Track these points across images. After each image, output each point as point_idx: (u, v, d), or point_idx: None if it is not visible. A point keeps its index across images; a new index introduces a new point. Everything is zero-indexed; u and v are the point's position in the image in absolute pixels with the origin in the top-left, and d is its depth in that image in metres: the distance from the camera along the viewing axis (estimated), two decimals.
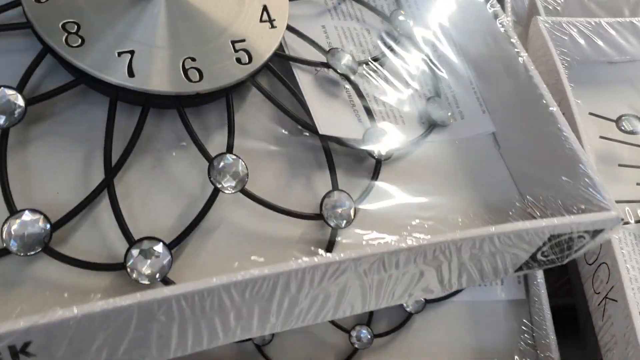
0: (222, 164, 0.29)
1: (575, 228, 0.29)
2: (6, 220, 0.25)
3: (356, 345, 0.42)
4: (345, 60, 0.35)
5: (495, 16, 0.37)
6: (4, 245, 0.25)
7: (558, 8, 0.59)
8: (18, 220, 0.25)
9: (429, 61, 0.40)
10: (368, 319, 0.43)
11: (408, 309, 0.43)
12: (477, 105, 0.39)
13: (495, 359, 0.43)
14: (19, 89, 0.28)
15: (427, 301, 0.44)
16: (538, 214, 0.33)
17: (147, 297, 0.22)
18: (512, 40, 0.36)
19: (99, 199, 0.28)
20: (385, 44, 0.39)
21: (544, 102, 0.33)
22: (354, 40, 0.39)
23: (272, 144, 0.33)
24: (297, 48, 0.36)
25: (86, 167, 0.29)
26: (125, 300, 0.22)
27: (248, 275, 0.23)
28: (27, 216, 0.25)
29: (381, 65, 0.38)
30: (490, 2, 0.37)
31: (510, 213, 0.34)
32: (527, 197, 0.35)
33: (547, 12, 0.57)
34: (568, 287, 0.51)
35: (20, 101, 0.28)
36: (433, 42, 0.40)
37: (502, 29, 0.36)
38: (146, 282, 0.26)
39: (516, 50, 0.35)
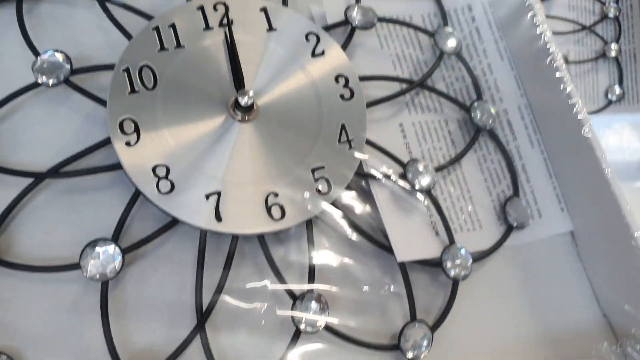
0: (303, 304, 0.31)
1: None
2: None
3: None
4: (423, 172, 0.35)
5: (581, 124, 0.35)
6: None
7: None
8: None
9: (507, 153, 0.39)
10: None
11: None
12: (555, 202, 0.38)
13: None
14: (114, 238, 0.30)
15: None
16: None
17: None
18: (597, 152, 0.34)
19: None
20: (464, 138, 0.39)
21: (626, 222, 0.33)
22: (433, 135, 0.38)
23: (350, 271, 0.34)
24: (374, 158, 0.36)
25: (179, 302, 0.31)
26: None
27: None
28: None
29: (460, 166, 0.38)
30: (577, 107, 0.35)
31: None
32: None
33: None
34: None
35: (118, 251, 0.30)
36: (511, 130, 0.40)
37: (587, 134, 0.35)
38: None
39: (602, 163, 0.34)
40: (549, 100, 0.38)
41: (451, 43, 0.39)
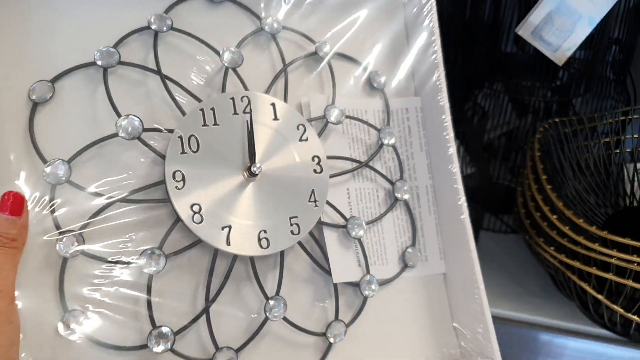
0: (273, 302, 0.49)
1: None
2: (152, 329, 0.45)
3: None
4: (357, 226, 0.54)
5: (461, 211, 0.56)
6: None
7: None
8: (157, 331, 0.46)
9: (412, 216, 0.59)
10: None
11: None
12: (437, 252, 0.59)
13: None
14: (160, 247, 0.47)
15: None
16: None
17: None
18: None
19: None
20: (387, 201, 0.58)
21: (474, 277, 0.54)
22: (367, 198, 0.57)
23: (306, 282, 0.53)
24: (328, 211, 0.54)
25: (195, 293, 0.49)
26: None
27: None
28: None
29: (380, 221, 0.57)
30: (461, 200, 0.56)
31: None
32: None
33: None
34: None
35: (162, 257, 0.47)
36: (418, 201, 0.59)
37: (463, 218, 0.55)
38: None
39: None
40: (445, 187, 0.58)
41: (391, 140, 0.58)
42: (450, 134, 0.57)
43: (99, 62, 0.49)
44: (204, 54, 0.53)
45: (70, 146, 0.47)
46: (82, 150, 0.47)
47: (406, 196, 0.58)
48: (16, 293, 0.44)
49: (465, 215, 0.56)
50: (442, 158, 0.58)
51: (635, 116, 0.79)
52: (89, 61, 0.49)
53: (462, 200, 0.56)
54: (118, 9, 0.52)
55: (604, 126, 0.80)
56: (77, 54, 0.49)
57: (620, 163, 0.77)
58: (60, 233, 0.45)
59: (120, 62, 0.50)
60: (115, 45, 0.50)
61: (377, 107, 0.60)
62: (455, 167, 0.57)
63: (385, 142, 0.58)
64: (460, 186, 0.56)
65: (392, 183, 0.58)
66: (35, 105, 0.48)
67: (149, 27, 0.52)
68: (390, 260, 0.57)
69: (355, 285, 0.54)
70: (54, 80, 0.49)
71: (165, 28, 0.52)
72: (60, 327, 0.44)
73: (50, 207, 0.46)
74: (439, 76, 0.58)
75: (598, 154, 0.78)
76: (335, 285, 0.53)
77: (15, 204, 0.41)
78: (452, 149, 0.57)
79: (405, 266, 0.58)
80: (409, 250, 0.58)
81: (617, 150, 0.78)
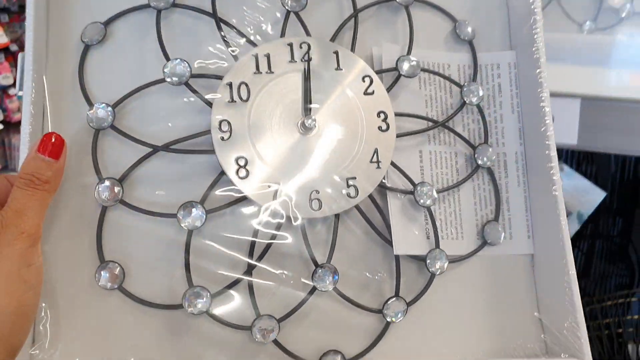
0: (322, 272, 0.44)
1: None
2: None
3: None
4: (427, 194, 0.47)
5: (553, 183, 0.47)
6: None
7: None
8: None
9: (497, 187, 0.51)
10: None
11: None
12: (525, 230, 0.50)
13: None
14: (202, 202, 0.44)
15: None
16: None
17: None
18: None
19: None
20: (467, 168, 0.51)
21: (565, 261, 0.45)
22: (443, 163, 0.50)
23: (361, 254, 0.47)
24: (393, 175, 0.48)
25: (237, 254, 0.45)
26: None
27: None
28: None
29: (457, 191, 0.50)
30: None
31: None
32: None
33: None
34: None
35: (203, 212, 0.43)
36: (505, 170, 0.51)
37: (555, 192, 0.47)
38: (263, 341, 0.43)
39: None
40: (538, 155, 0.49)
41: (474, 98, 0.50)
42: (546, 93, 0.48)
43: (152, 4, 0.46)
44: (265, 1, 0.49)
45: (116, 91, 0.45)
46: (128, 95, 0.45)
47: (489, 162, 0.50)
48: (51, 240, 0.43)
49: (558, 188, 0.47)
50: (536, 121, 0.49)
51: None
52: (143, 4, 0.47)
53: (555, 169, 0.47)
54: None
55: None
56: None
57: None
58: (100, 180, 0.43)
59: (174, 5, 0.47)
60: None
61: (463, 62, 0.52)
62: (551, 132, 0.48)
63: (468, 100, 0.50)
64: (554, 153, 0.47)
65: (473, 147, 0.51)
66: (86, 48, 0.46)
67: None
68: (466, 234, 0.50)
69: (421, 259, 0.47)
70: (107, 22, 0.47)
71: None
72: (95, 278, 0.42)
73: (92, 153, 0.44)
74: (535, 24, 0.49)
75: None
76: (397, 258, 0.47)
77: (55, 146, 0.40)
78: (548, 108, 0.48)
79: (484, 243, 0.50)
80: (491, 225, 0.50)
81: None
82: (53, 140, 0.40)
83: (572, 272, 0.45)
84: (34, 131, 0.42)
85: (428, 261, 0.47)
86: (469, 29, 0.53)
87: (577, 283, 0.45)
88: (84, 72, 0.46)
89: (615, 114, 0.84)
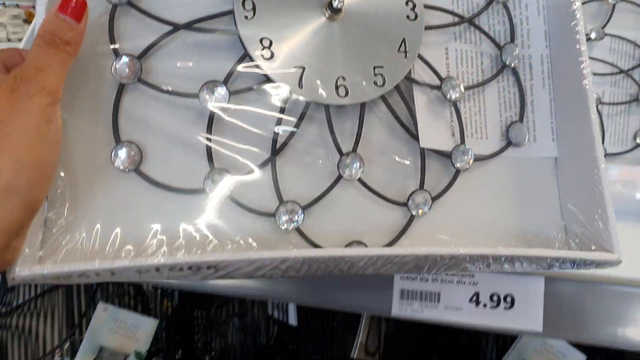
0: (348, 160, 0.43)
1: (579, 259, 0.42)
2: None
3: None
4: (455, 89, 0.46)
5: (583, 77, 0.46)
6: None
7: None
8: None
9: (522, 88, 0.49)
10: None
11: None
12: (549, 133, 0.49)
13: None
14: (225, 82, 0.42)
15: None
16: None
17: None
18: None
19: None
20: (492, 69, 0.49)
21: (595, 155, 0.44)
22: (469, 62, 0.49)
23: (386, 147, 0.45)
24: (419, 69, 0.47)
25: (260, 139, 0.43)
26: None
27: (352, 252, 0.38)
28: None
29: (482, 91, 0.48)
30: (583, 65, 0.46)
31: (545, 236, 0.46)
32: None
33: None
34: None
35: (226, 92, 0.41)
36: (530, 72, 0.50)
37: (586, 86, 0.46)
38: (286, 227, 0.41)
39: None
40: (565, 55, 0.48)
41: None
42: None
43: None
44: None
45: None
46: None
47: (515, 62, 0.49)
48: (67, 115, 0.40)
49: (589, 82, 0.45)
50: (564, 21, 0.48)
51: None
52: None
53: (586, 64, 0.46)
54: None
55: None
56: None
57: None
58: (118, 56, 0.41)
59: None
60: None
61: None
62: (581, 27, 0.47)
63: None
64: (584, 48, 0.46)
65: (499, 47, 0.49)
66: None
67: None
68: (490, 134, 0.48)
69: (446, 155, 0.46)
70: None
71: None
72: (111, 159, 0.40)
73: (109, 28, 0.42)
74: None
75: None
76: (422, 151, 0.45)
77: (77, 7, 0.37)
78: (578, 3, 0.47)
79: (509, 143, 0.49)
80: (515, 125, 0.49)
81: None
82: (75, 1, 0.37)
83: (602, 166, 0.44)
84: None
85: (453, 156, 0.46)
86: None
87: (606, 176, 0.44)
88: None
89: None
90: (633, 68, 0.69)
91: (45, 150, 0.34)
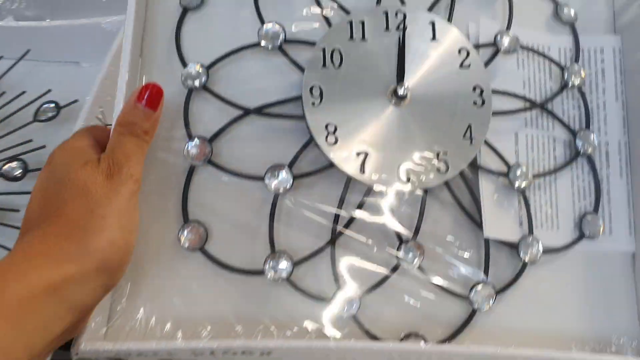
0: (408, 248, 0.42)
1: None
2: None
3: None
4: (523, 176, 0.45)
5: None
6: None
7: None
8: None
9: (597, 177, 0.47)
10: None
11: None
12: (626, 226, 0.47)
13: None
14: (290, 166, 0.43)
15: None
16: None
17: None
18: None
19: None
20: (565, 156, 0.48)
21: None
22: (540, 149, 0.47)
23: (448, 236, 0.44)
24: (486, 156, 0.46)
25: (321, 223, 0.43)
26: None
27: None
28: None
29: (554, 179, 0.47)
30: None
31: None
32: None
33: None
34: None
35: (290, 176, 0.42)
36: (607, 160, 0.48)
37: None
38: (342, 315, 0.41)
39: None
40: None
41: (576, 80, 0.48)
42: None
43: None
44: None
45: (212, 54, 0.45)
46: (222, 57, 0.45)
47: (591, 149, 0.47)
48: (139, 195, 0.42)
49: None
50: None
51: None
52: None
53: None
54: None
55: None
56: None
57: None
58: (190, 138, 0.43)
59: None
60: None
61: (564, 45, 0.50)
62: None
63: (570, 82, 0.48)
64: None
65: (573, 133, 0.48)
66: (184, 11, 0.46)
67: None
68: (562, 225, 0.46)
69: (513, 246, 0.44)
70: None
71: None
72: (178, 238, 0.42)
73: (184, 111, 0.44)
74: None
75: None
76: (486, 241, 0.44)
77: (153, 96, 0.40)
78: None
79: (581, 235, 0.46)
80: (589, 217, 0.46)
81: None
82: (151, 90, 0.40)
83: None
84: (131, 82, 0.42)
85: (520, 248, 0.44)
86: (571, 11, 0.50)
87: None
88: (180, 36, 0.46)
89: None
90: None
91: (132, 234, 0.36)
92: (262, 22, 0.45)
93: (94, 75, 0.55)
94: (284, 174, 0.42)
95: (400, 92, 0.43)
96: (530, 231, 0.45)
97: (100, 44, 0.58)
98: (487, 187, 0.45)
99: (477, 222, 0.44)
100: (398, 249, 0.42)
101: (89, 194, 0.35)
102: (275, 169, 0.42)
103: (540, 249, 0.44)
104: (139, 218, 0.38)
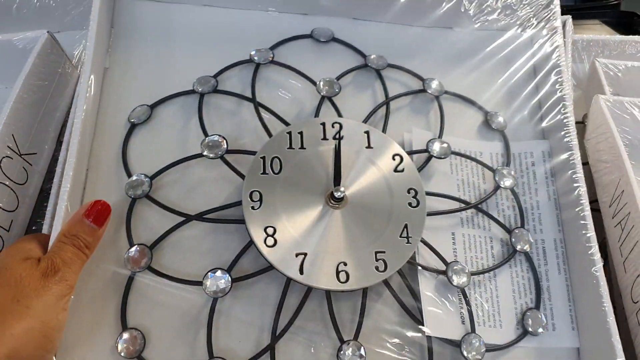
0: (349, 348, 0.42)
1: None
2: None
3: None
4: (459, 272, 0.46)
5: (593, 263, 0.44)
6: None
7: (619, 74, 0.60)
8: None
9: (537, 274, 0.48)
10: None
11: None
12: (568, 321, 0.47)
13: None
14: (229, 270, 0.43)
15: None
16: None
17: None
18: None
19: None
20: (503, 254, 0.49)
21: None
22: (478, 247, 0.49)
23: (390, 334, 0.44)
24: (425, 255, 0.47)
25: (261, 326, 0.43)
26: None
27: None
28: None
29: (494, 276, 0.48)
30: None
31: None
32: None
33: (608, 77, 0.59)
34: None
35: (229, 280, 0.43)
36: (545, 257, 0.49)
37: (597, 273, 0.44)
38: None
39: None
40: (577, 241, 0.47)
41: (508, 182, 0.50)
42: (580, 173, 0.48)
43: (198, 89, 0.50)
44: (301, 89, 0.52)
45: (157, 165, 0.47)
46: (166, 168, 0.47)
47: (527, 247, 0.48)
48: (77, 301, 0.42)
49: (600, 275, 0.44)
50: (574, 208, 0.48)
51: None
52: (188, 89, 0.51)
53: (596, 256, 0.45)
54: (225, 46, 0.53)
55: None
56: (182, 83, 0.51)
57: None
58: (131, 245, 0.44)
59: (216, 90, 0.50)
60: (216, 76, 0.51)
61: (495, 150, 0.53)
62: (587, 212, 0.46)
63: (502, 184, 0.50)
64: (592, 234, 0.45)
65: (509, 231, 0.49)
66: (132, 126, 0.49)
67: (250, 61, 0.52)
68: (505, 322, 0.47)
69: (455, 345, 0.44)
70: (154, 105, 0.50)
71: (265, 60, 0.52)
72: (116, 345, 0.41)
73: (126, 219, 0.45)
74: (565, 109, 0.50)
75: None
76: (429, 340, 0.44)
77: (101, 214, 0.42)
78: (583, 189, 0.47)
79: (525, 332, 0.46)
80: (531, 313, 0.47)
81: None
82: (99, 207, 0.42)
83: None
84: (73, 191, 0.44)
85: (463, 346, 0.44)
86: (501, 119, 0.54)
87: None
88: (127, 148, 0.48)
89: None
90: None
91: (56, 331, 0.37)
92: (206, 134, 0.48)
93: (5, 98, 0.48)
94: (222, 278, 0.43)
95: (337, 194, 0.45)
96: (473, 329, 0.45)
97: (12, 63, 0.52)
98: (426, 285, 0.46)
99: (418, 320, 0.44)
100: (339, 350, 0.42)
101: (21, 285, 0.36)
102: (213, 272, 0.43)
103: (483, 347, 0.44)
104: (65, 321, 0.38)
